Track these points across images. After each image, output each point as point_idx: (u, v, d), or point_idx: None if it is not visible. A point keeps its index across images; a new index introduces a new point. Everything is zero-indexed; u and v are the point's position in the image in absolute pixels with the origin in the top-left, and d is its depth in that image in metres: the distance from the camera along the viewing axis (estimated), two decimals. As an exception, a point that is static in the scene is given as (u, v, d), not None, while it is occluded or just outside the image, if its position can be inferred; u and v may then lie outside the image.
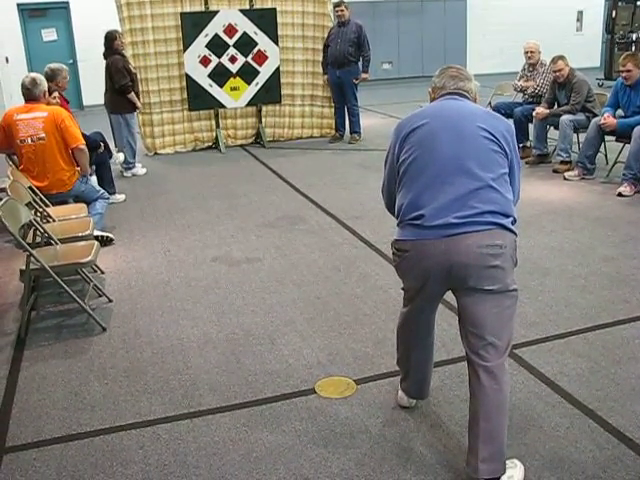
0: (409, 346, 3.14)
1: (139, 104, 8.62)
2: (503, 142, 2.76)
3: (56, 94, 6.64)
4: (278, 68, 10.24)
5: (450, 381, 3.52)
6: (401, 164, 2.82)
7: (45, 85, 5.77)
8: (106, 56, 8.48)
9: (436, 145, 2.73)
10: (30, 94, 5.65)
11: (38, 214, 5.14)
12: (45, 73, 6.58)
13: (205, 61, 9.85)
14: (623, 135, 7.21)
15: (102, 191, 6.19)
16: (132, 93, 8.41)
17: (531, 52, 8.60)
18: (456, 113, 2.83)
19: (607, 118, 7.17)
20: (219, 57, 9.91)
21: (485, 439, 2.65)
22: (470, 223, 2.61)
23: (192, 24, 9.66)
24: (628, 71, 7.04)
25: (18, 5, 14.94)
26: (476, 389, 2.70)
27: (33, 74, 5.82)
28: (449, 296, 2.87)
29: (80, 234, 4.92)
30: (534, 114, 8.08)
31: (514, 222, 2.72)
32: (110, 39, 8.39)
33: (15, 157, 5.91)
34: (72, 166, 5.78)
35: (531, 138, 8.49)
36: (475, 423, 2.69)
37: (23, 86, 5.66)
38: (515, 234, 2.72)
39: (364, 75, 10.08)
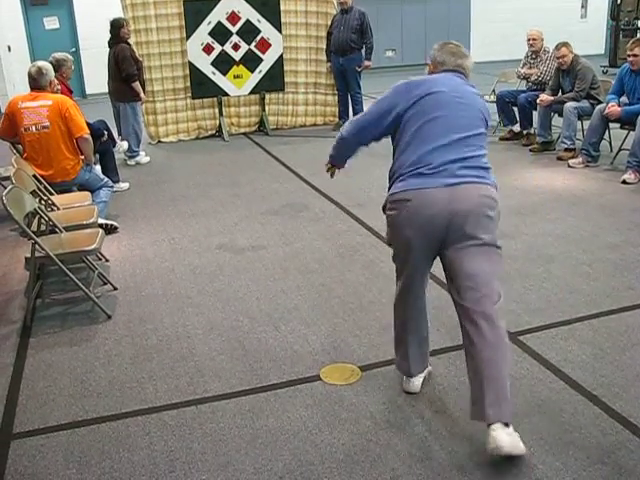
0: (406, 317, 3.20)
1: (142, 94, 8.57)
2: (487, 125, 3.12)
3: (55, 81, 6.63)
4: (281, 56, 10.20)
5: (455, 368, 3.53)
6: (412, 122, 2.97)
7: (52, 74, 5.77)
8: (111, 44, 8.45)
9: (454, 111, 2.97)
10: (36, 83, 5.66)
11: (43, 202, 5.14)
12: (49, 63, 6.55)
13: (208, 49, 9.82)
14: (628, 122, 7.18)
15: (106, 179, 6.19)
16: (137, 82, 8.38)
17: (533, 40, 8.56)
18: (463, 91, 3.08)
19: (611, 107, 7.13)
20: (222, 45, 9.87)
21: (489, 383, 2.74)
22: (471, 175, 2.86)
23: (195, 12, 9.62)
24: (635, 56, 7.01)
25: (20, -7, 14.91)
26: (477, 339, 2.79)
27: (40, 63, 5.81)
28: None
29: (85, 222, 4.93)
30: (538, 101, 8.05)
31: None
32: (116, 27, 8.35)
33: (19, 145, 5.92)
34: (76, 155, 5.78)
35: (535, 125, 8.46)
36: (480, 371, 2.77)
37: (29, 75, 5.67)
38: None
39: (367, 63, 10.02)
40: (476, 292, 2.81)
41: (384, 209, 3.04)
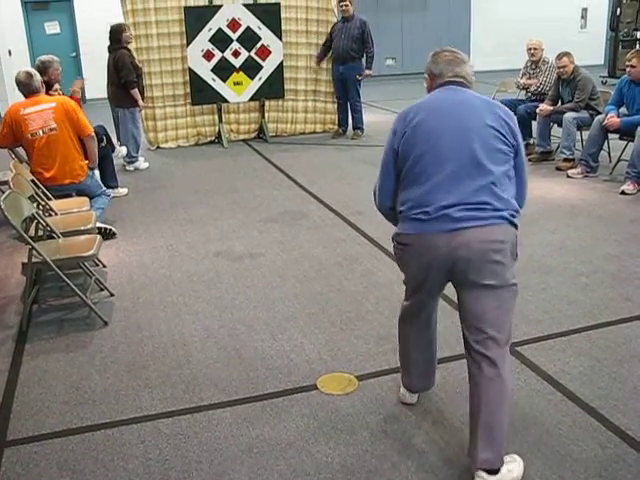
0: (411, 337, 3.16)
1: (141, 102, 8.57)
2: (508, 134, 2.75)
3: (57, 86, 6.64)
4: (281, 63, 10.21)
5: (452, 378, 3.51)
6: (404, 160, 2.80)
7: (39, 76, 5.74)
8: (111, 50, 8.45)
9: (442, 143, 2.72)
10: (29, 87, 5.62)
11: (40, 207, 5.13)
12: (37, 67, 6.50)
13: (208, 55, 9.83)
14: (627, 133, 7.19)
15: (104, 188, 6.20)
16: (135, 89, 8.39)
17: (534, 49, 8.56)
18: (461, 109, 2.81)
19: (610, 118, 7.14)
20: (222, 51, 9.88)
21: (485, 429, 2.66)
22: (472, 218, 2.64)
23: (196, 18, 9.64)
24: (632, 67, 7.04)
25: (22, -2, 14.94)
26: (478, 380, 2.71)
27: (25, 68, 5.80)
28: (452, 293, 2.86)
29: (82, 228, 4.92)
30: (538, 111, 8.06)
31: (516, 215, 2.74)
32: (117, 32, 8.37)
33: (17, 150, 5.90)
34: (82, 156, 5.78)
35: (534, 135, 8.46)
36: (476, 413, 2.70)
37: (20, 82, 5.60)
38: (516, 227, 2.74)
39: (367, 71, 10.04)
40: (482, 333, 2.70)
41: (393, 239, 2.92)
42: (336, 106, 10.64)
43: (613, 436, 3.00)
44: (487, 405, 2.68)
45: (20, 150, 5.96)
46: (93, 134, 5.78)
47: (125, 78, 8.27)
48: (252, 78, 10.13)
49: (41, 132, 5.54)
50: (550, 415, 3.17)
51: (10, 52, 14.02)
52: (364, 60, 9.99)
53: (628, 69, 7.11)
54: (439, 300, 3.10)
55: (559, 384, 3.43)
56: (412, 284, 2.95)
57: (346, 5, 9.73)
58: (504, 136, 2.75)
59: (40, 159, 5.60)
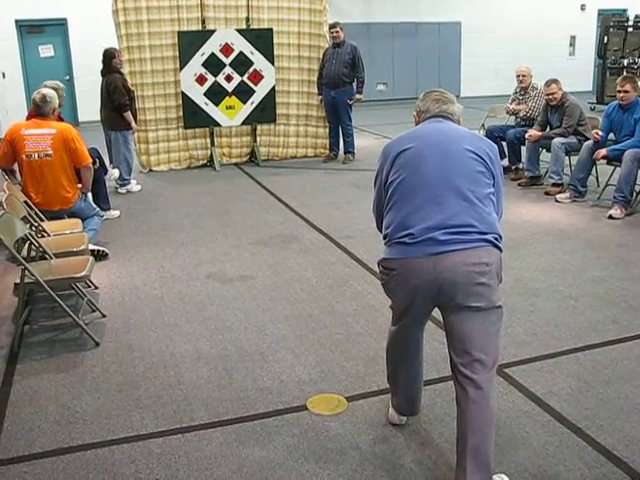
0: (398, 364, 3.19)
1: (134, 124, 8.64)
2: (488, 161, 2.85)
3: (58, 110, 6.70)
4: (273, 88, 10.31)
5: (441, 399, 3.55)
6: (389, 185, 2.89)
7: (55, 102, 5.83)
8: (104, 73, 8.54)
9: (424, 166, 2.81)
10: (40, 110, 5.71)
11: (33, 228, 5.15)
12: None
13: (201, 80, 9.92)
14: (615, 159, 7.28)
15: (97, 209, 6.23)
16: (128, 112, 8.46)
17: (523, 76, 8.70)
18: (442, 135, 2.93)
19: (599, 153, 7.21)
20: (215, 76, 9.97)
21: (472, 454, 2.68)
22: (457, 241, 2.68)
23: (189, 43, 9.73)
24: (625, 92, 7.10)
25: (16, 21, 15.01)
26: (464, 404, 2.74)
27: (44, 90, 5.87)
28: (439, 314, 2.90)
29: (75, 249, 4.94)
30: (526, 136, 8.17)
31: (499, 239, 2.79)
32: (109, 57, 8.45)
33: (10, 172, 5.94)
34: (74, 183, 5.81)
35: (523, 160, 8.56)
36: (463, 438, 2.72)
37: (34, 102, 5.74)
38: (500, 251, 2.79)
39: (358, 96, 10.15)
40: (468, 356, 2.72)
41: (379, 264, 2.94)
42: (327, 130, 10.74)
43: (599, 456, 3.04)
44: (474, 429, 2.70)
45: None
46: (90, 165, 5.84)
47: (117, 101, 8.35)
48: (244, 102, 10.22)
49: (36, 155, 5.58)
50: (537, 435, 3.20)
51: (4, 75, 14.10)
52: (355, 85, 10.11)
53: (621, 94, 7.17)
54: (426, 323, 3.13)
55: (546, 405, 3.47)
56: (399, 310, 2.98)
57: (337, 32, 9.89)
58: (484, 161, 2.84)
59: (31, 181, 5.64)
